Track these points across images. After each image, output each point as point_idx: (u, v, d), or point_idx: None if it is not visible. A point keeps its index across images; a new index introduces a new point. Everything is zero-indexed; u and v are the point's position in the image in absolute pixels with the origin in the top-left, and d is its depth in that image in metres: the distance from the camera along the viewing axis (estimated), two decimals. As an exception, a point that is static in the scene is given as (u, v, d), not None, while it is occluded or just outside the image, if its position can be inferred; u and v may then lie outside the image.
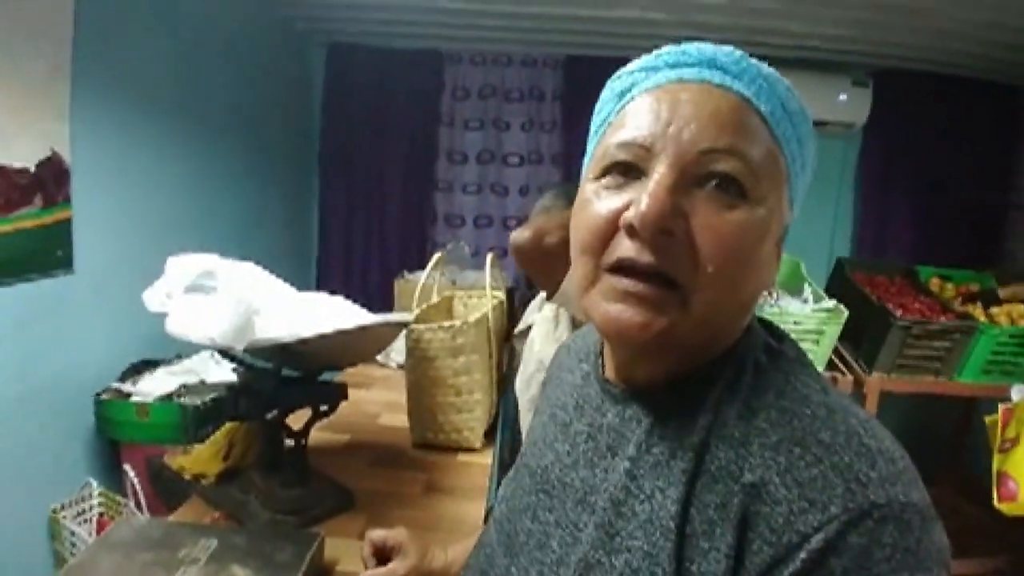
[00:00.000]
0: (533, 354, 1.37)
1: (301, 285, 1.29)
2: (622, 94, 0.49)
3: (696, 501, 0.42)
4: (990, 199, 2.83)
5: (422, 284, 1.44)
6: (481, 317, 1.35)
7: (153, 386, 1.71)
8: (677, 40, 0.48)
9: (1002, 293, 2.20)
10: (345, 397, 1.12)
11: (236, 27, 2.29)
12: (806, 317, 1.98)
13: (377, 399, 1.61)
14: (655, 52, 0.49)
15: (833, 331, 1.99)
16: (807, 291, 2.07)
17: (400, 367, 1.71)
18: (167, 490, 1.62)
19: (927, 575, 0.36)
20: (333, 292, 1.29)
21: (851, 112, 2.63)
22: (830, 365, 2.11)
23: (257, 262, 1.22)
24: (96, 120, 1.67)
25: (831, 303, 2.02)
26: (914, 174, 2.82)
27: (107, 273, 1.73)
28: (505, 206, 3.01)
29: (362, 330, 1.05)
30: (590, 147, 0.51)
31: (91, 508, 1.68)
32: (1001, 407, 1.80)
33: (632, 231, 0.43)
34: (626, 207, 0.44)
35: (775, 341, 0.50)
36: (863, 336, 2.10)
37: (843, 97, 2.60)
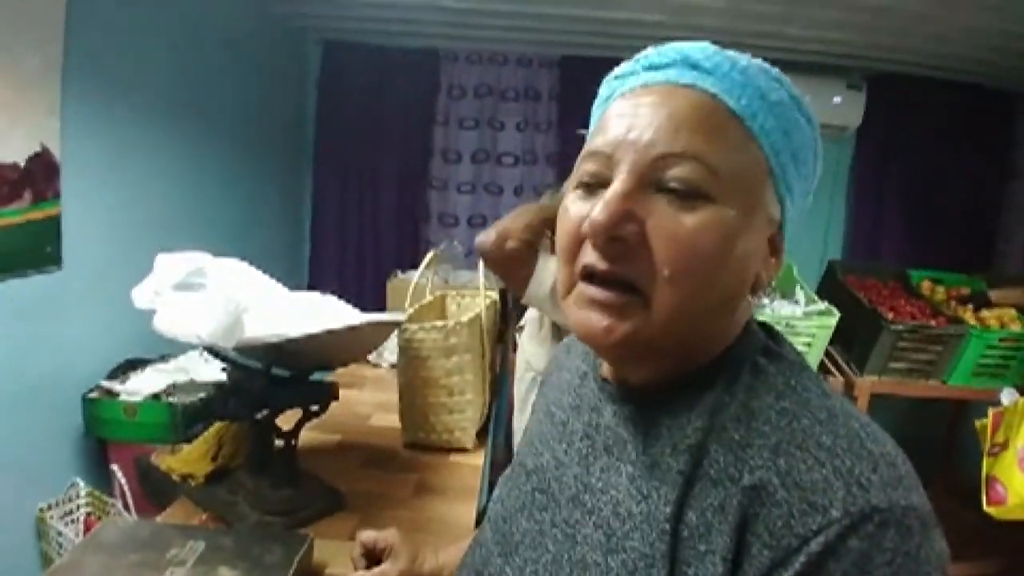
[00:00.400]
0: (523, 354, 1.37)
1: (294, 283, 1.28)
2: (606, 100, 0.49)
3: (693, 503, 0.42)
4: (982, 203, 2.85)
5: (415, 283, 1.43)
6: (474, 317, 1.34)
7: (142, 385, 1.70)
8: (672, 41, 0.48)
9: (993, 297, 2.21)
10: (336, 397, 1.11)
11: (230, 24, 2.28)
12: (798, 319, 1.99)
13: (369, 399, 1.60)
14: (636, 55, 0.49)
15: (824, 334, 2.00)
16: (799, 293, 2.08)
17: (392, 367, 1.70)
18: (155, 490, 1.61)
19: None
20: (326, 291, 1.28)
21: (845, 115, 2.64)
22: (820, 367, 2.12)
23: (249, 260, 1.21)
24: (87, 116, 1.66)
25: (823, 305, 2.02)
26: (907, 177, 2.84)
27: (96, 270, 1.71)
28: (499, 206, 3.00)
29: (353, 330, 1.04)
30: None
31: (78, 508, 1.67)
32: (991, 411, 1.81)
33: (591, 239, 0.44)
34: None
35: (775, 344, 0.50)
36: (854, 339, 2.11)
37: (837, 100, 2.61)
